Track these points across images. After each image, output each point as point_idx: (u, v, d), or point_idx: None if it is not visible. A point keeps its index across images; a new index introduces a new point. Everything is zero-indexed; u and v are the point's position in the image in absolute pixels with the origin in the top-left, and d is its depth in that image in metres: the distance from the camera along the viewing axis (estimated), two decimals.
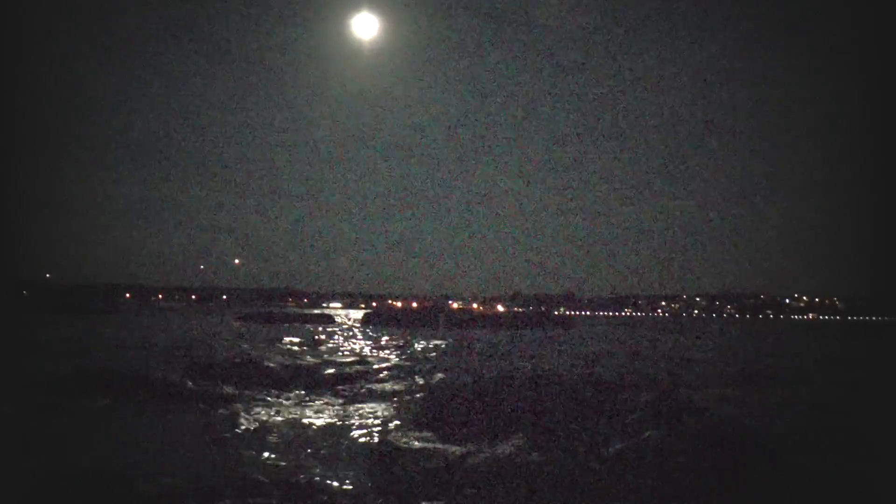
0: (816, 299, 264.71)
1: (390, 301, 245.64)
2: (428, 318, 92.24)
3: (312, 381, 21.31)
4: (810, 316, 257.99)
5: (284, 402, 17.97)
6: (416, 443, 9.93)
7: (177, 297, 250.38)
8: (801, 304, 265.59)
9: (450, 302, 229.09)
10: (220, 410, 16.38)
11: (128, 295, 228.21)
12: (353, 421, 15.20)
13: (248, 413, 16.00)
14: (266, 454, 11.87)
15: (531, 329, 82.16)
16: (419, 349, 40.60)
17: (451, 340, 51.69)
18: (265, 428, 14.27)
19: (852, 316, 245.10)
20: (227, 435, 13.61)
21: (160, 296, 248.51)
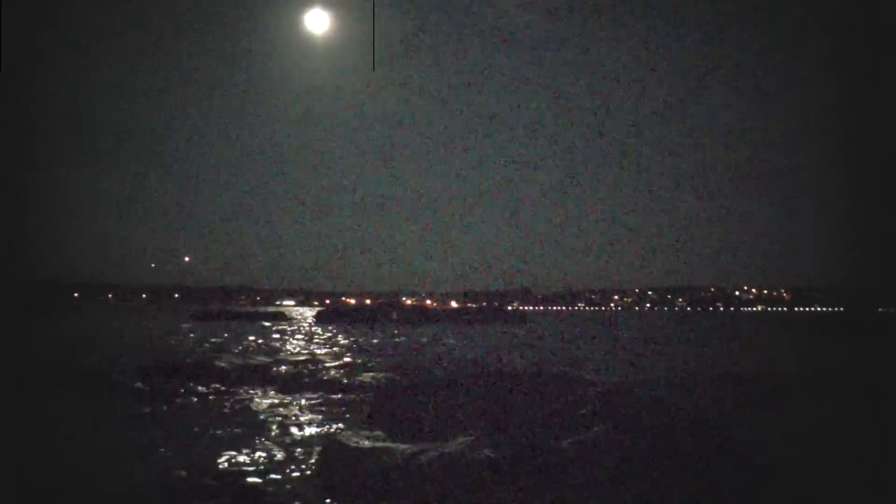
0: (765, 291, 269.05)
1: (344, 298, 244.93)
2: (381, 314, 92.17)
3: (264, 380, 21.12)
4: (759, 307, 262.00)
5: (235, 401, 17.76)
6: (367, 442, 9.82)
7: (128, 296, 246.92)
8: (751, 297, 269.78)
9: (403, 298, 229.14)
10: (170, 411, 16.15)
11: (76, 294, 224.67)
12: (303, 420, 15.06)
13: (198, 414, 15.78)
14: (214, 456, 11.70)
15: (485, 325, 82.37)
16: (372, 346, 40.46)
17: (404, 337, 51.63)
18: (214, 429, 14.07)
19: (799, 307, 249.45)
20: (175, 437, 13.40)
21: (110, 295, 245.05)
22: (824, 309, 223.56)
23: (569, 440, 9.55)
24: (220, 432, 13.72)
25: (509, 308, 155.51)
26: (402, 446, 9.51)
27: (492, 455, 9.01)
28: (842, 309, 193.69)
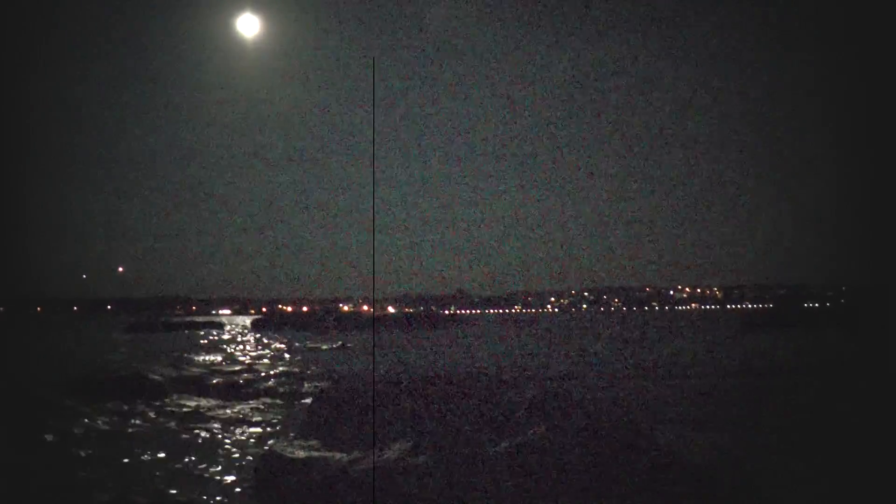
0: (698, 290, 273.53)
1: (281, 306, 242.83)
2: (318, 321, 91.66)
3: (198, 392, 20.90)
4: (692, 306, 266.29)
5: (168, 414, 17.53)
6: (302, 452, 9.80)
7: (58, 308, 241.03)
8: (684, 295, 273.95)
9: (340, 305, 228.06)
10: (100, 426, 15.87)
11: (0, 309, 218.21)
12: (239, 431, 14.95)
13: (130, 428, 15.54)
14: (146, 470, 11.56)
15: (421, 329, 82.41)
16: (309, 354, 40.26)
17: (340, 343, 51.42)
18: (147, 442, 13.89)
19: (731, 304, 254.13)
20: (106, 452, 13.19)
21: (39, 308, 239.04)
22: (754, 306, 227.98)
23: (504, 444, 9.66)
24: (152, 446, 13.55)
25: (445, 312, 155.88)
26: (338, 455, 9.52)
27: (428, 461, 9.08)
28: (771, 306, 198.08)
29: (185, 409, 18.21)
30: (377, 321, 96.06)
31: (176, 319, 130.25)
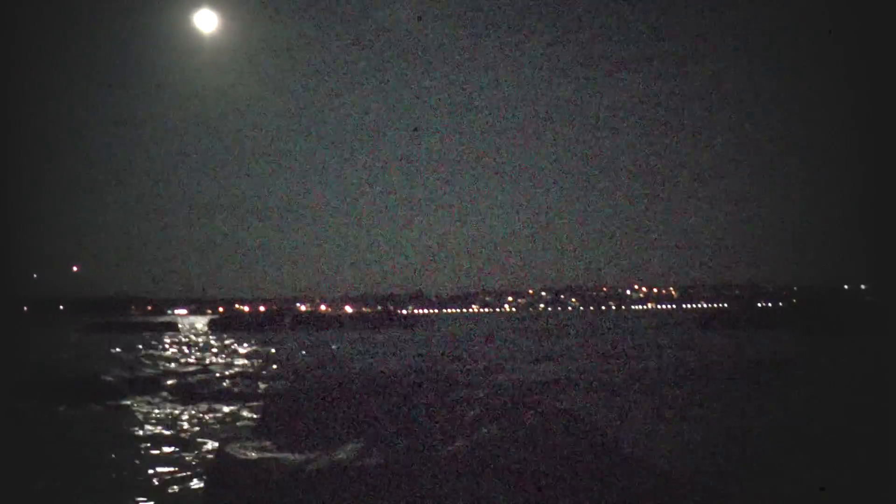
0: (654, 290, 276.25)
1: (237, 305, 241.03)
2: (275, 321, 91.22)
3: (152, 393, 20.73)
4: (649, 305, 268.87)
5: (120, 416, 17.38)
6: (254, 453, 9.78)
7: (7, 309, 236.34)
8: (641, 295, 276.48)
9: (298, 304, 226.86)
10: (51, 431, 15.70)
11: None
12: (192, 433, 14.87)
13: (80, 432, 15.38)
14: (95, 475, 11.47)
15: (378, 329, 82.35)
16: (265, 354, 40.07)
17: (297, 344, 51.26)
18: (97, 446, 13.77)
19: (686, 304, 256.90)
20: (56, 455, 13.07)
21: None
22: (710, 305, 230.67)
23: (458, 443, 9.71)
24: (103, 449, 13.44)
25: (403, 311, 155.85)
26: (291, 456, 9.51)
27: (380, 461, 9.11)
28: (725, 305, 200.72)
29: (137, 411, 18.06)
30: (334, 321, 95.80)
31: (131, 320, 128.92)
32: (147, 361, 34.49)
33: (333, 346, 47.88)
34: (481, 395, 11.95)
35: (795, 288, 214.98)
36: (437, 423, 11.23)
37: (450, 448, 9.60)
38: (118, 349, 46.08)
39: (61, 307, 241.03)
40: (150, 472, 11.49)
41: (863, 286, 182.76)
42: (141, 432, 14.98)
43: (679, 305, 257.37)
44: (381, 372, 20.09)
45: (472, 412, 11.36)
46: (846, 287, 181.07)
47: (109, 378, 22.31)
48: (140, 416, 17.24)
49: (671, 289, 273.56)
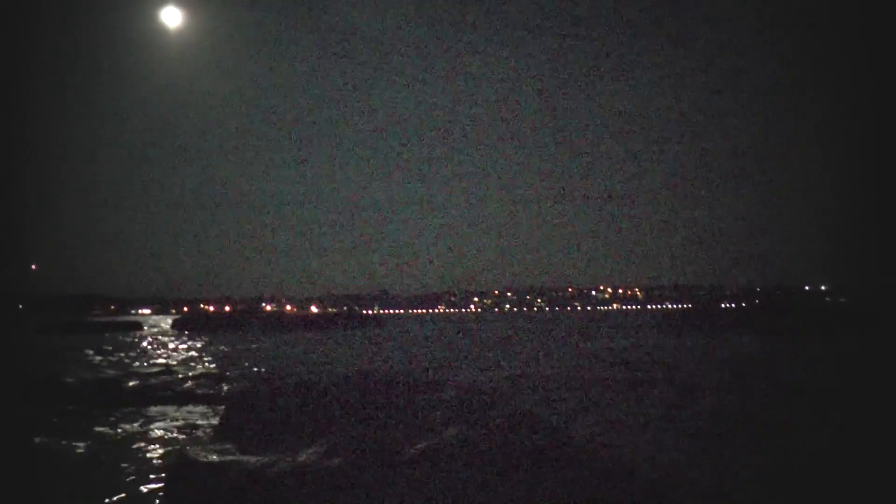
0: (619, 291, 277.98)
1: (203, 305, 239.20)
2: (241, 321, 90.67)
3: (113, 395, 20.48)
4: (614, 306, 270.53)
5: (80, 418, 17.16)
6: (215, 456, 9.70)
7: None
8: (606, 296, 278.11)
9: (264, 305, 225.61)
10: (9, 434, 15.49)
11: None
12: (153, 436, 14.72)
13: (40, 435, 15.17)
14: (55, 476, 11.34)
15: (344, 329, 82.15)
16: (230, 354, 39.83)
17: (263, 344, 51.00)
18: (56, 450, 13.59)
19: (651, 305, 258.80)
20: (14, 458, 12.90)
21: None
22: (673, 306, 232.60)
23: (422, 444, 9.71)
24: (61, 451, 13.28)
25: (369, 311, 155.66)
26: (253, 459, 9.45)
27: (343, 463, 9.08)
28: (689, 306, 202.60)
29: (98, 413, 17.85)
30: (300, 321, 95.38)
31: (93, 319, 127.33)
32: (109, 362, 34.14)
33: (299, 347, 47.68)
34: (446, 396, 11.96)
35: (758, 289, 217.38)
36: (401, 424, 11.22)
37: (413, 449, 9.59)
38: (79, 350, 45.55)
39: (20, 306, 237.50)
40: (108, 474, 11.37)
41: (823, 287, 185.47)
42: (100, 434, 14.81)
43: (644, 306, 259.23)
44: (346, 373, 20.02)
45: (436, 413, 11.37)
46: (807, 288, 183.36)
47: (70, 379, 22.05)
48: (99, 418, 17.04)
49: (636, 290, 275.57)
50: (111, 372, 26.24)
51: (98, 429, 15.62)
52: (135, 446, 13.61)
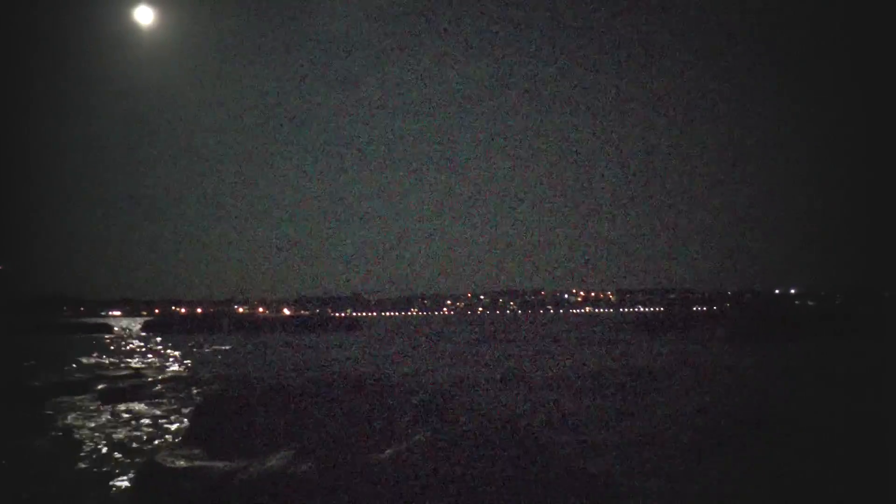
0: (592, 294, 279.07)
1: (174, 307, 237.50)
2: (212, 323, 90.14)
3: (80, 399, 20.26)
4: (587, 309, 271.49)
5: (47, 422, 16.94)
6: (183, 461, 9.62)
7: None
8: (579, 299, 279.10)
9: (235, 307, 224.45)
10: None
11: None
12: (120, 440, 14.56)
13: (4, 439, 14.97)
14: (21, 480, 11.18)
15: (316, 332, 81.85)
16: (201, 357, 39.58)
17: (234, 347, 50.74)
18: (22, 451, 13.43)
19: (624, 308, 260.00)
20: None
21: None
22: (646, 309, 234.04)
23: (390, 450, 9.67)
24: (27, 455, 13.10)
25: (342, 315, 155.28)
26: (221, 464, 9.38)
27: (312, 468, 9.03)
28: (661, 309, 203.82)
29: (65, 417, 17.64)
30: (272, 323, 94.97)
31: (61, 321, 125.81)
32: (77, 365, 33.80)
33: (270, 350, 47.47)
34: (416, 399, 11.93)
35: (729, 292, 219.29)
36: (369, 428, 11.19)
37: (381, 455, 9.56)
38: (47, 351, 45.07)
39: None
40: (74, 480, 11.24)
41: (793, 290, 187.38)
42: (66, 439, 14.63)
43: (617, 310, 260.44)
44: (317, 377, 19.94)
45: (405, 417, 11.34)
46: (777, 292, 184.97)
47: (37, 382, 21.83)
48: (66, 422, 16.83)
49: (609, 293, 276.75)
50: (79, 375, 25.97)
51: (63, 433, 15.43)
52: (102, 451, 13.45)
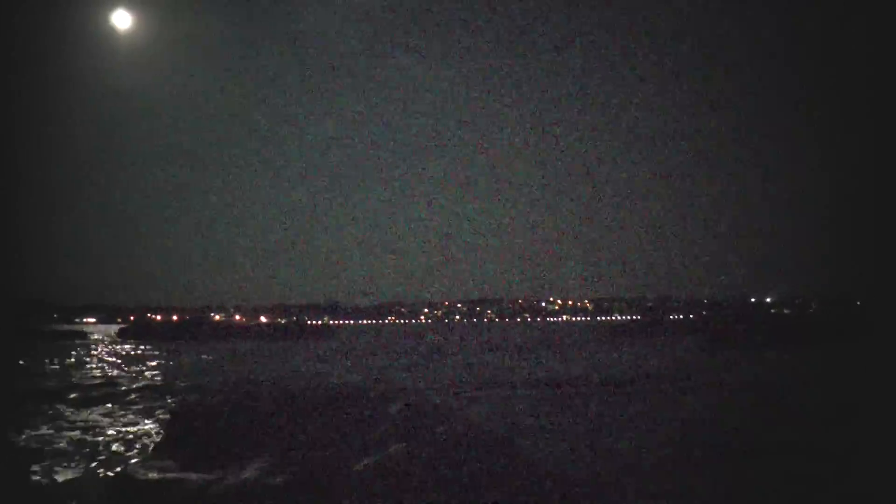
0: (570, 302, 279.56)
1: (150, 314, 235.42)
2: (188, 331, 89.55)
3: (53, 407, 20.05)
4: (564, 317, 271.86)
5: (16, 433, 16.66)
6: (156, 473, 9.52)
7: None
8: (556, 307, 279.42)
9: (211, 314, 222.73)
10: None
11: None
12: (93, 450, 14.39)
13: None
14: None
15: (293, 340, 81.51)
16: (175, 365, 39.29)
17: (210, 355, 50.44)
18: None
19: (601, 317, 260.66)
20: None
21: None
22: (623, 317, 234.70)
23: (364, 461, 9.61)
24: None
25: (318, 323, 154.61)
26: (195, 476, 9.28)
27: (287, 480, 8.96)
28: (639, 317, 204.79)
29: (36, 426, 17.41)
30: (249, 331, 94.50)
31: (34, 327, 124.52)
32: (50, 372, 33.47)
33: (246, 359, 47.21)
34: (394, 410, 11.87)
35: (705, 301, 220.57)
36: (346, 439, 11.11)
37: (358, 466, 9.49)
38: (19, 358, 44.58)
39: None
40: (45, 492, 11.10)
41: (768, 299, 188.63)
42: (36, 451, 14.42)
43: (594, 318, 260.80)
44: (293, 385, 19.81)
45: (381, 427, 11.27)
46: (752, 300, 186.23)
47: (8, 391, 21.58)
48: (37, 433, 16.61)
49: (586, 302, 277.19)
50: (51, 383, 25.72)
51: (33, 444, 15.22)
52: (74, 463, 13.28)
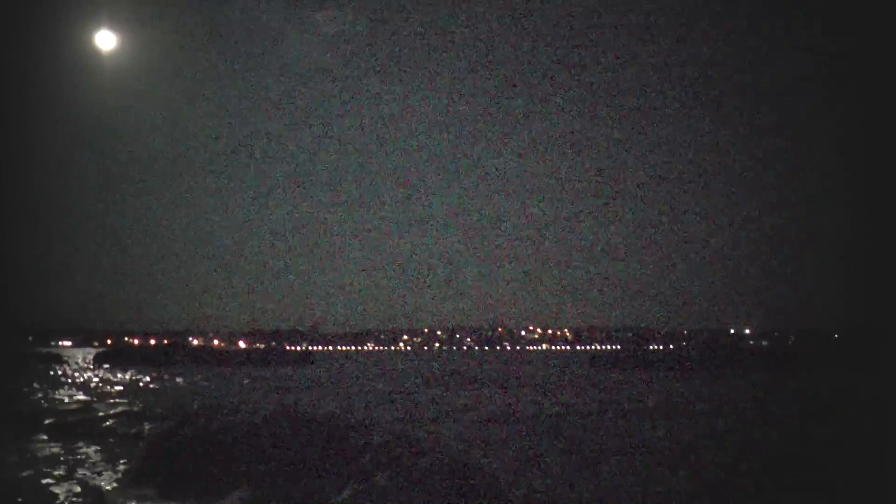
0: (549, 331, 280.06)
1: (128, 338, 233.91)
2: (167, 356, 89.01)
3: (28, 433, 19.80)
4: (544, 346, 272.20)
5: None
6: (134, 502, 9.45)
7: None
8: (536, 336, 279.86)
9: (190, 338, 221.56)
10: None
11: None
12: (70, 478, 14.19)
13: None
14: None
15: (272, 366, 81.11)
16: (153, 391, 38.99)
17: (188, 380, 50.10)
18: None
19: (580, 346, 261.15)
20: None
21: None
22: (602, 347, 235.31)
23: (347, 491, 9.57)
24: None
25: (297, 348, 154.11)
26: None
27: None
28: (618, 347, 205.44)
29: (9, 454, 17.16)
30: (227, 356, 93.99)
31: (12, 349, 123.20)
32: (24, 398, 33.08)
33: (225, 384, 46.93)
34: (376, 440, 11.84)
35: (685, 331, 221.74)
36: (328, 468, 11.06)
37: (339, 497, 9.45)
38: None
39: None
40: None
41: (747, 330, 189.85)
42: (9, 476, 14.23)
43: (573, 347, 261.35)
44: (273, 413, 19.72)
45: (364, 457, 11.24)
46: (732, 332, 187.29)
47: None
48: (10, 460, 16.39)
49: (566, 331, 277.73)
50: (25, 409, 25.41)
51: (8, 471, 15.01)
52: (47, 491, 13.09)
